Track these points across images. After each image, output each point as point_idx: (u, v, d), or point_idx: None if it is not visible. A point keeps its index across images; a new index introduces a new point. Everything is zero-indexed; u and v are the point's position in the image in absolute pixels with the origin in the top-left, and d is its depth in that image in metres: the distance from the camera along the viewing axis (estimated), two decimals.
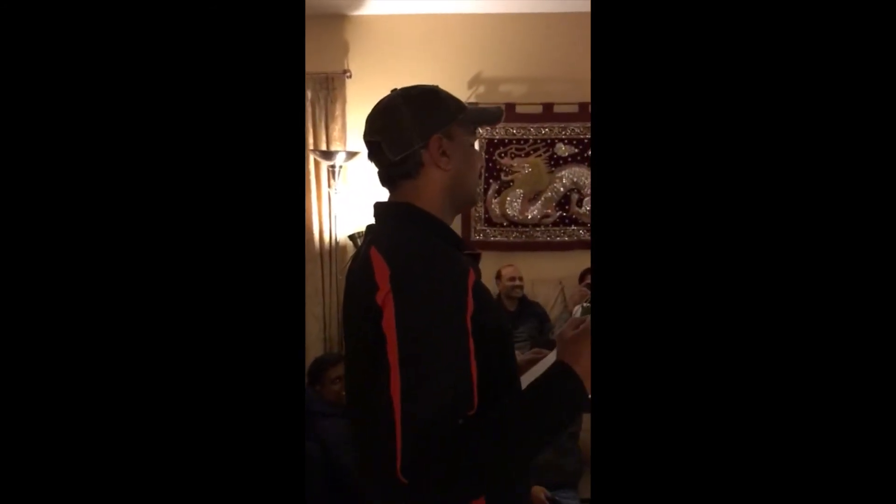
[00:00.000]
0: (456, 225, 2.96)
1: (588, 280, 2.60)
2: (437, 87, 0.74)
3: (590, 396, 0.62)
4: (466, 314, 0.60)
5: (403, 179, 0.72)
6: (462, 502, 0.59)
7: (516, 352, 0.74)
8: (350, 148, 2.84)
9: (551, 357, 0.72)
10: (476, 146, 0.78)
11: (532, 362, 0.78)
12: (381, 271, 0.61)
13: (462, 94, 2.95)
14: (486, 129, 2.99)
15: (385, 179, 0.73)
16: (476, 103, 2.97)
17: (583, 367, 0.62)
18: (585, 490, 2.07)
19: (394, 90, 0.73)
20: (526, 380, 0.67)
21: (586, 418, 2.13)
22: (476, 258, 0.73)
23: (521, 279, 2.70)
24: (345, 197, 2.85)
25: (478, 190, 0.79)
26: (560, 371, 0.63)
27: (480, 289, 0.65)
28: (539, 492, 1.77)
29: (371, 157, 0.73)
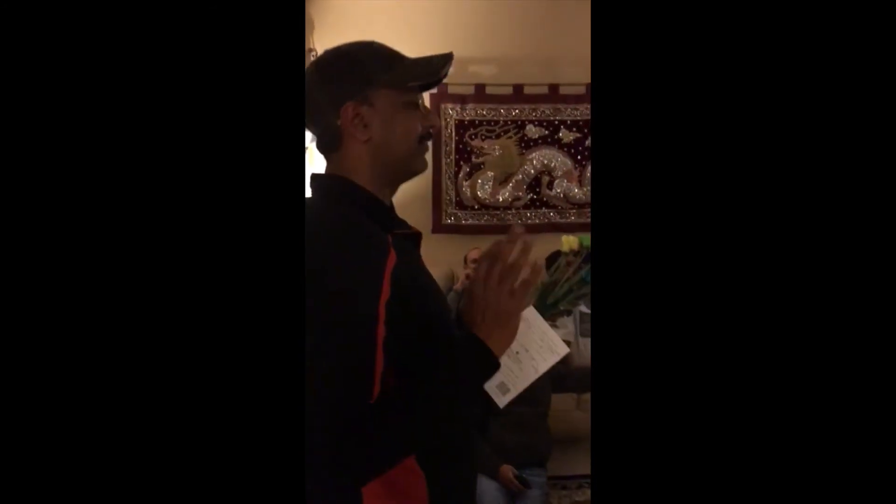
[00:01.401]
0: (426, 208, 2.97)
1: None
2: (357, 45, 0.67)
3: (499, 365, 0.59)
4: (378, 300, 0.56)
5: (328, 152, 0.67)
6: (360, 482, 0.56)
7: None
8: None
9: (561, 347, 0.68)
10: (426, 105, 0.69)
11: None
12: None
13: None
14: (456, 110, 2.95)
15: (319, 149, 0.69)
16: (446, 84, 2.93)
17: (487, 332, 0.59)
18: (554, 468, 2.11)
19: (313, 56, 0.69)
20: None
21: (555, 398, 2.17)
22: (412, 238, 0.67)
23: None
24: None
25: (422, 157, 0.69)
26: (465, 341, 0.60)
27: (413, 273, 0.61)
28: (507, 470, 1.80)
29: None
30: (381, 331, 0.56)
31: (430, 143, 0.69)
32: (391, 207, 0.70)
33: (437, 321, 0.64)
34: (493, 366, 0.60)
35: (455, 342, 0.62)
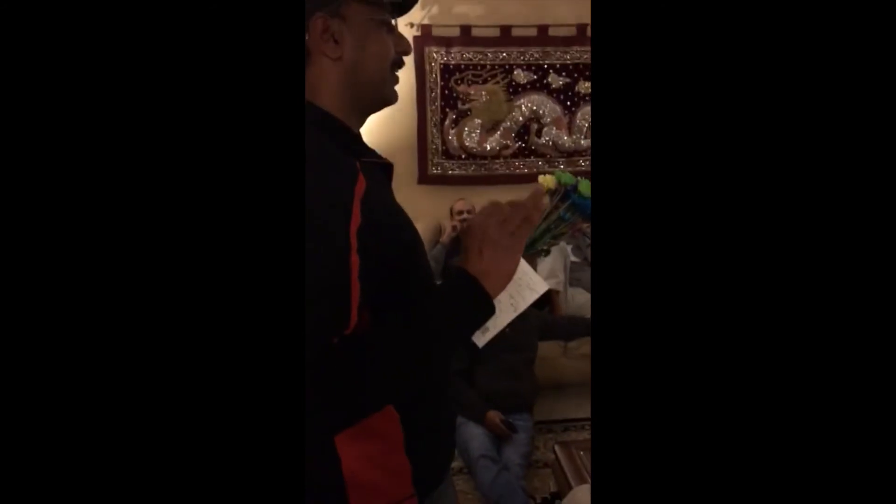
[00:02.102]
0: (411, 158, 2.90)
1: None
2: None
3: (497, 306, 0.57)
4: (349, 227, 0.52)
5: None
6: (334, 428, 0.54)
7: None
8: None
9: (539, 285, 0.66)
10: (400, 28, 0.64)
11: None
12: None
13: (415, 15, 2.74)
14: (441, 54, 2.83)
15: None
16: (430, 25, 2.79)
17: (483, 268, 0.56)
18: (539, 413, 2.18)
19: None
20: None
21: (542, 346, 2.21)
22: (382, 168, 0.63)
23: (471, 211, 2.66)
24: None
25: (392, 86, 0.64)
26: (455, 276, 0.57)
27: (379, 202, 0.56)
28: (494, 416, 1.85)
29: None
30: (355, 258, 0.52)
31: (398, 75, 0.64)
32: (359, 136, 0.65)
33: (412, 254, 0.61)
34: (488, 308, 0.58)
35: (447, 281, 0.59)
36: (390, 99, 0.65)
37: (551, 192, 0.73)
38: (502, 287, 0.59)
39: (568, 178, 0.72)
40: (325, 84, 0.60)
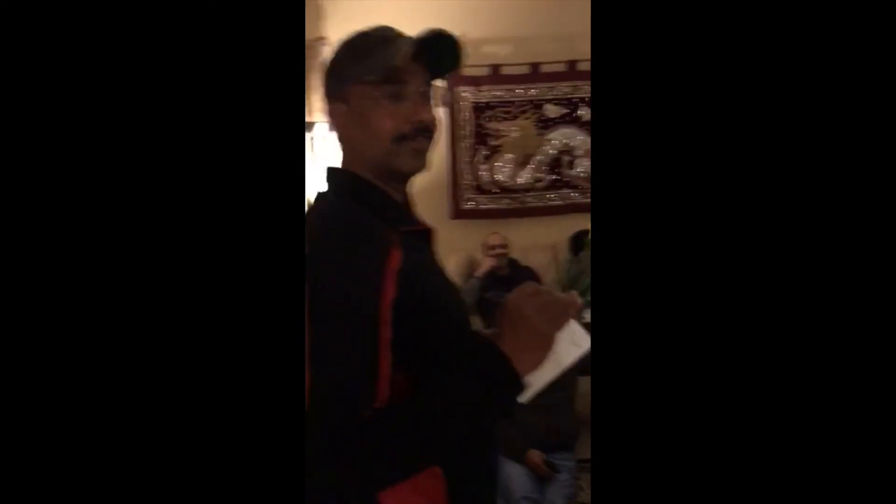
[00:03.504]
0: (443, 193, 2.94)
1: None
2: (346, 40, 0.65)
3: (527, 385, 0.57)
4: (379, 300, 0.53)
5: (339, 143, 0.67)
6: (370, 489, 0.54)
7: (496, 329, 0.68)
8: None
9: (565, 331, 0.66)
10: (435, 95, 0.66)
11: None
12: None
13: None
14: (471, 92, 2.90)
15: None
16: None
17: (517, 348, 0.57)
18: (582, 451, 2.10)
19: None
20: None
21: (583, 381, 2.15)
22: (422, 235, 0.65)
23: (504, 245, 2.67)
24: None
25: (410, 157, 0.63)
26: (486, 353, 0.58)
27: (418, 272, 0.58)
28: (536, 455, 1.79)
29: None
30: (386, 332, 0.53)
31: (426, 140, 0.63)
32: (404, 202, 0.67)
33: (452, 324, 0.62)
34: (518, 388, 0.58)
35: (479, 357, 0.59)
36: (407, 168, 0.63)
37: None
38: (534, 367, 0.59)
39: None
40: (358, 156, 0.64)
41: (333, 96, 0.64)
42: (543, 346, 0.59)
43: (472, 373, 0.58)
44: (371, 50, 0.63)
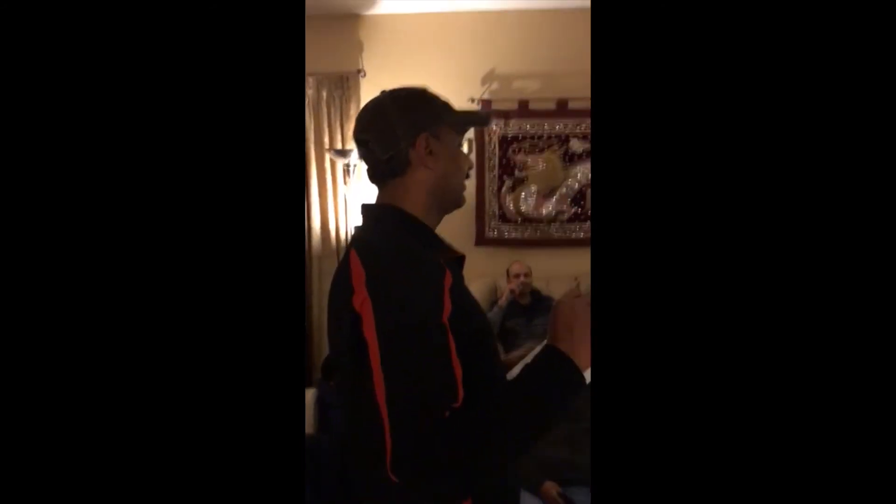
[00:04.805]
0: (470, 222, 3.00)
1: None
2: (425, 88, 0.76)
3: (588, 380, 0.60)
4: (443, 315, 0.60)
5: (391, 178, 0.73)
6: (453, 499, 0.59)
7: (514, 352, 0.74)
8: None
9: (539, 347, 0.72)
10: (465, 149, 0.81)
11: (522, 357, 0.78)
12: (358, 276, 0.61)
13: (476, 91, 2.94)
14: (500, 125, 2.98)
15: (374, 177, 0.75)
16: (489, 100, 2.98)
17: (574, 346, 0.60)
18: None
19: (382, 92, 0.75)
20: (515, 372, 0.66)
21: None
22: (459, 261, 0.74)
23: (528, 274, 2.69)
24: (361, 195, 2.88)
25: (463, 193, 0.79)
26: (547, 354, 0.62)
27: (460, 292, 0.65)
28: (551, 488, 1.77)
29: (361, 154, 0.75)
30: (451, 341, 0.59)
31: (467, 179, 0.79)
32: (437, 235, 0.75)
33: (483, 334, 0.69)
34: (581, 383, 0.61)
35: (540, 359, 0.63)
36: (461, 203, 0.78)
37: None
38: (588, 364, 0.62)
39: None
40: (416, 190, 0.72)
41: (430, 131, 0.73)
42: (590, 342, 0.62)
43: (534, 372, 0.62)
44: (449, 105, 0.77)
